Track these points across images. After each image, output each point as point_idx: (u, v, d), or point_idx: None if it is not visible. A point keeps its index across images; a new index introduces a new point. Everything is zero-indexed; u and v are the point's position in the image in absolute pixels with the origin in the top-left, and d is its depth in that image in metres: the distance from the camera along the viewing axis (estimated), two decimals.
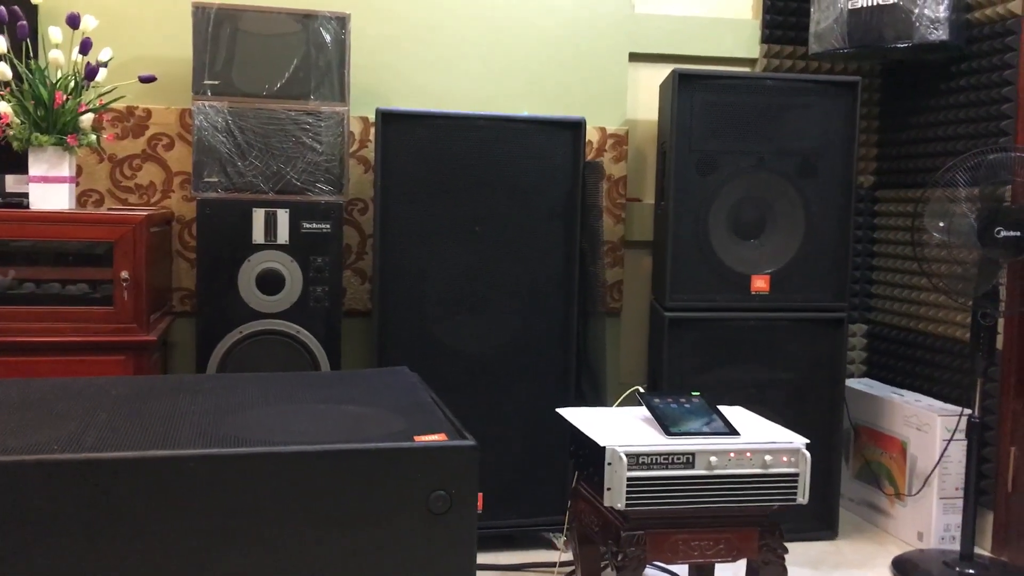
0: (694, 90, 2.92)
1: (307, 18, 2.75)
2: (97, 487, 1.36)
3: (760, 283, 2.99)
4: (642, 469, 2.02)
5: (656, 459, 2.03)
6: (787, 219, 3.00)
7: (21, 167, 2.65)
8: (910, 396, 3.19)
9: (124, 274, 2.51)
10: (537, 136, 2.86)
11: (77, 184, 2.93)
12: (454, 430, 1.58)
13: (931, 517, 2.98)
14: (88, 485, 1.36)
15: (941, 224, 2.71)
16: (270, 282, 2.75)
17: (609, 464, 2.01)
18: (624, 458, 2.00)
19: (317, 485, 1.44)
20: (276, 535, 1.43)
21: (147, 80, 2.77)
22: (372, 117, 3.09)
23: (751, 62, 3.44)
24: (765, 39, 3.41)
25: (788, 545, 2.15)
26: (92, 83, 2.65)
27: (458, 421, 1.63)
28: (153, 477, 1.38)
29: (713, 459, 2.05)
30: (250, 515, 1.41)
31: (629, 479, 2.01)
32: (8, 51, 2.58)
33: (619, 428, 2.15)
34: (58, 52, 2.59)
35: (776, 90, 2.96)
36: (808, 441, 2.12)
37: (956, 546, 2.87)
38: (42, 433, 1.48)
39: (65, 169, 2.61)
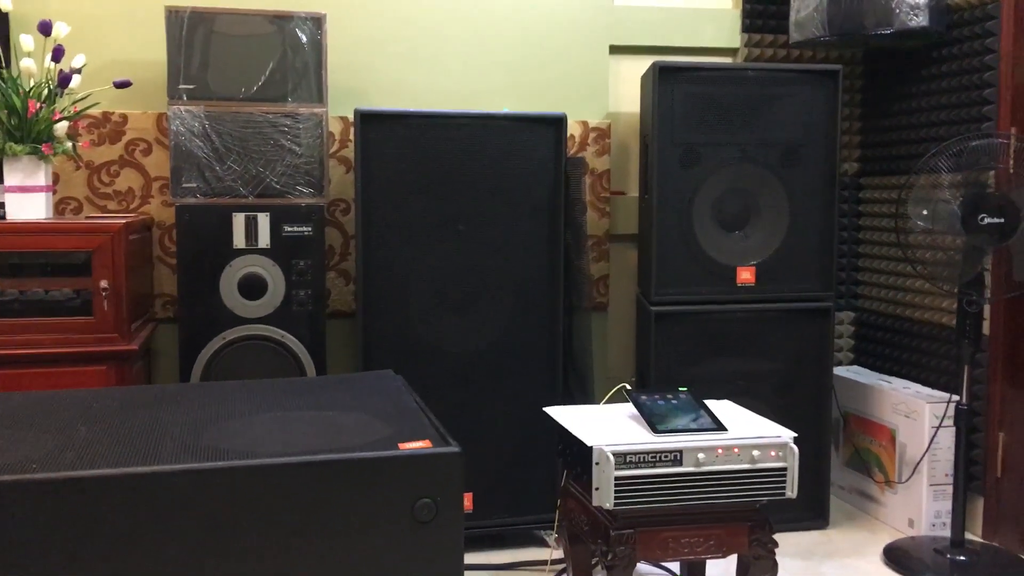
0: (675, 82, 2.90)
1: (282, 19, 2.72)
2: (77, 506, 1.34)
3: (746, 275, 2.98)
4: (630, 468, 2.01)
5: (644, 457, 2.02)
6: (771, 210, 2.99)
7: None
8: (898, 383, 3.19)
9: (104, 283, 2.48)
10: (519, 133, 2.84)
11: (54, 192, 2.90)
12: (438, 436, 1.56)
13: (921, 504, 2.98)
14: (68, 504, 1.34)
15: (924, 211, 2.71)
16: (252, 287, 2.72)
17: (597, 464, 2.00)
18: (611, 457, 1.99)
19: (301, 496, 1.42)
20: (261, 548, 1.41)
21: (122, 85, 2.74)
22: (351, 117, 3.06)
23: (732, 52, 3.43)
24: (745, 28, 3.39)
25: (779, 536, 2.15)
26: (66, 90, 2.62)
27: (443, 426, 1.62)
28: (134, 494, 1.36)
29: (701, 456, 2.04)
30: (234, 528, 1.40)
31: (617, 478, 2.00)
32: None
33: (606, 427, 2.14)
34: (30, 60, 2.56)
35: (758, 80, 2.94)
36: (796, 435, 2.11)
37: (947, 532, 2.88)
38: (19, 451, 1.46)
39: (41, 178, 2.58)
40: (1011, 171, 2.68)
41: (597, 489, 2.01)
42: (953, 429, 2.82)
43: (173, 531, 1.37)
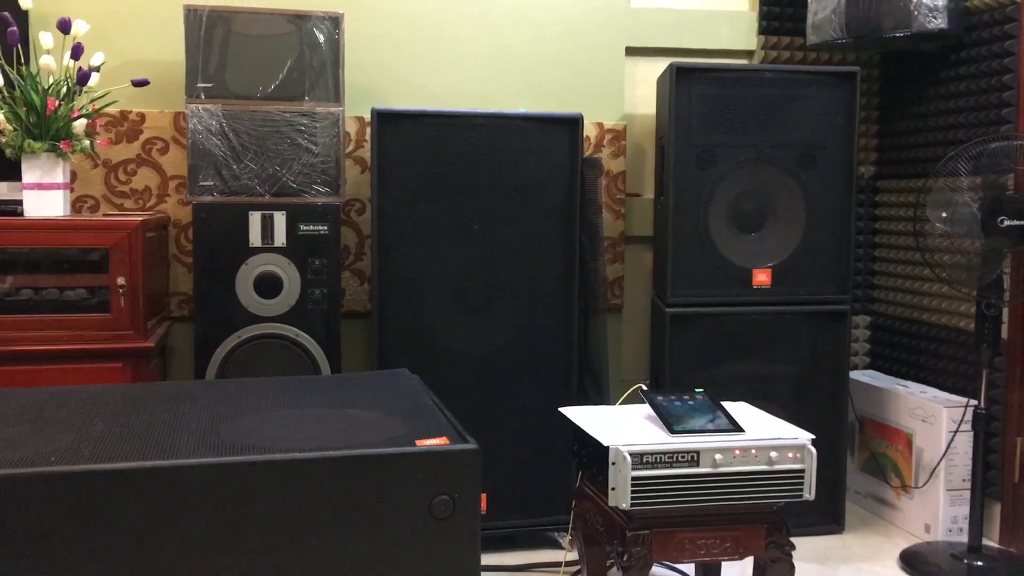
0: (692, 83, 2.89)
1: (300, 18, 2.73)
2: (95, 499, 1.34)
3: (762, 277, 2.97)
4: (646, 468, 2.00)
5: (660, 458, 2.01)
6: (788, 212, 2.98)
7: (15, 174, 2.63)
8: (915, 387, 3.17)
9: (120, 280, 2.49)
10: (534, 133, 2.83)
11: (72, 190, 2.91)
12: (456, 433, 1.56)
13: (938, 509, 2.96)
14: (86, 497, 1.34)
15: (943, 214, 2.69)
16: (268, 285, 2.73)
17: (613, 464, 1.99)
18: (628, 457, 1.98)
19: (318, 492, 1.42)
20: (278, 543, 1.41)
21: (140, 84, 2.75)
22: (368, 117, 3.07)
23: (749, 54, 3.42)
24: (762, 31, 3.38)
25: (794, 540, 2.13)
26: (84, 88, 2.63)
27: (460, 424, 1.61)
28: (152, 487, 1.36)
29: (718, 456, 2.03)
30: (251, 524, 1.39)
31: (633, 478, 1.99)
32: None
33: (622, 427, 2.13)
34: (49, 58, 2.57)
35: (774, 82, 2.93)
36: (813, 436, 2.10)
37: (964, 538, 2.85)
38: (38, 445, 1.46)
39: (59, 176, 2.59)
40: None
41: (613, 489, 2.00)
42: (970, 434, 2.80)
43: (190, 525, 1.37)
